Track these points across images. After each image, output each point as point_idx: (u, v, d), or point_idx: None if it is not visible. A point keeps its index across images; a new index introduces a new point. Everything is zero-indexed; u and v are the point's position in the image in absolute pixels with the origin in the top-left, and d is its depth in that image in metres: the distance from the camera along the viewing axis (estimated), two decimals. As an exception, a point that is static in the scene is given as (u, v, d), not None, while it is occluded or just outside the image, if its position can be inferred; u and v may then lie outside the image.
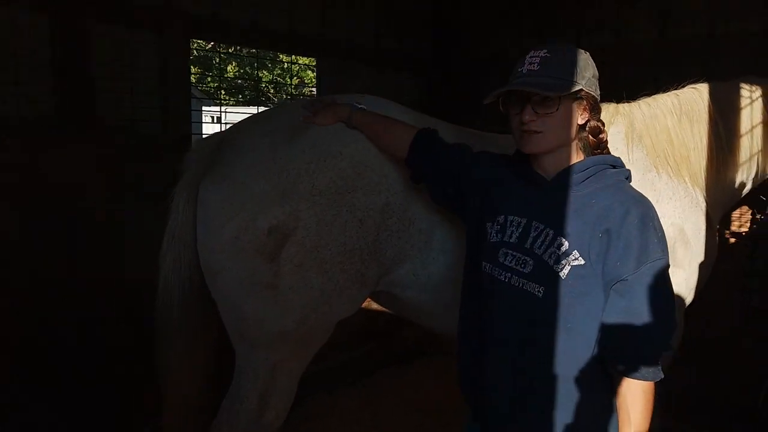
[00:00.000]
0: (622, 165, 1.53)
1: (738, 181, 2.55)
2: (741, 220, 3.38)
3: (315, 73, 4.49)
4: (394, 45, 4.33)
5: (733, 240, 3.38)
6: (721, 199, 2.51)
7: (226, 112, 3.69)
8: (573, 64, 1.45)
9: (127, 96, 2.93)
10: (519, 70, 1.47)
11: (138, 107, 2.97)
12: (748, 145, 2.50)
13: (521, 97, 1.46)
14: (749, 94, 2.51)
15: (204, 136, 3.97)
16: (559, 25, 4.03)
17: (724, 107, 2.45)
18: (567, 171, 1.49)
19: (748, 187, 2.62)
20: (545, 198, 1.51)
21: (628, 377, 1.39)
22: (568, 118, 1.47)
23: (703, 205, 2.34)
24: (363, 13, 4.07)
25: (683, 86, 2.51)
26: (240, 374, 1.91)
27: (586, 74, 1.47)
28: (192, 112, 3.37)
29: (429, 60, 4.58)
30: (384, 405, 3.87)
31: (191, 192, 1.90)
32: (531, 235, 1.49)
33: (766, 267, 2.80)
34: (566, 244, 1.42)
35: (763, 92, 2.51)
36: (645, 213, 1.40)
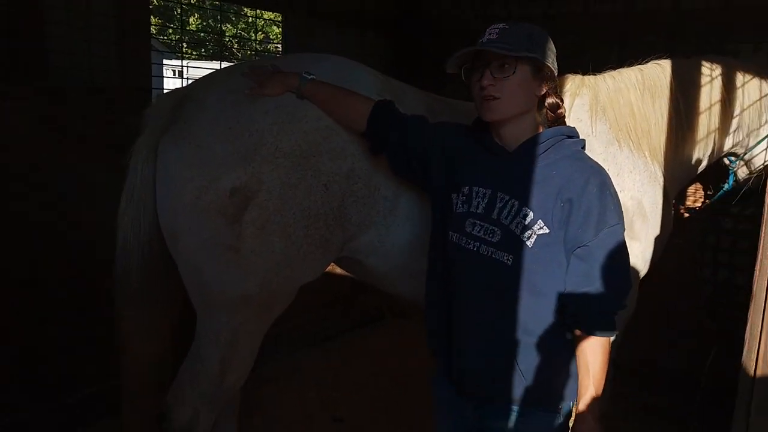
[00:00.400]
0: (577, 135, 1.61)
1: (695, 157, 2.61)
2: (696, 196, 3.48)
3: (279, 29, 4.35)
4: (357, 5, 4.23)
5: (687, 215, 3.48)
6: (678, 174, 2.57)
7: (188, 66, 3.54)
8: (530, 37, 1.51)
9: (83, 45, 2.77)
10: (479, 41, 1.52)
11: (94, 57, 2.82)
12: (707, 122, 2.55)
13: (481, 65, 1.51)
14: (710, 72, 2.55)
15: (165, 90, 3.84)
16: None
17: (685, 84, 2.49)
18: (528, 142, 1.56)
19: (704, 164, 2.69)
20: (508, 169, 1.57)
21: (587, 334, 1.49)
22: (526, 84, 1.52)
23: (661, 179, 2.39)
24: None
25: (647, 61, 2.53)
26: (201, 337, 1.89)
27: (544, 47, 1.53)
28: (152, 65, 3.22)
29: (393, 22, 4.51)
30: (345, 367, 3.93)
31: (150, 150, 1.84)
32: (497, 205, 1.55)
33: (718, 242, 2.90)
34: (531, 214, 1.50)
35: (722, 71, 2.56)
36: (603, 181, 1.49)
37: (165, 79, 4.42)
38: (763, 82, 2.61)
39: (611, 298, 1.49)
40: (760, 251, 1.19)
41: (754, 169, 2.76)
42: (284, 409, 3.35)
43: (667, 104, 2.43)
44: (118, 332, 2.01)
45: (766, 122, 2.65)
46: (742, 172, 2.82)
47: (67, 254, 2.78)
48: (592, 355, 1.49)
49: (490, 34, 1.51)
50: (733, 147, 2.70)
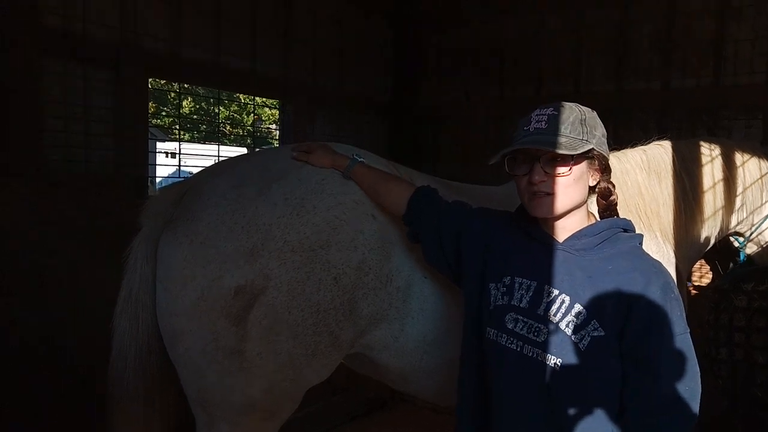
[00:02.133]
0: (634, 229, 1.47)
1: (704, 236, 2.59)
2: (701, 271, 3.43)
3: (271, 110, 4.38)
4: (356, 88, 4.30)
5: (695, 292, 3.43)
6: (688, 254, 2.54)
7: (181, 152, 3.53)
8: (583, 122, 1.39)
9: (80, 137, 2.75)
10: (525, 128, 1.40)
11: (92, 149, 2.79)
12: (712, 200, 2.55)
13: (529, 156, 1.38)
14: (709, 152, 2.58)
15: (158, 175, 3.82)
16: (521, 73, 4.10)
17: (688, 164, 2.50)
18: (580, 233, 1.42)
19: (712, 241, 2.67)
20: (557, 261, 1.41)
21: None
22: (581, 178, 1.39)
23: (674, 260, 2.34)
24: (325, 56, 4.03)
25: (648, 143, 2.55)
26: (201, 448, 1.74)
27: (596, 133, 1.41)
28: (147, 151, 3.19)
29: (390, 103, 4.58)
30: (347, 462, 3.69)
31: (150, 248, 1.75)
32: (544, 300, 1.38)
33: (731, 320, 2.82)
34: (584, 312, 1.33)
35: (721, 150, 2.58)
36: (666, 283, 1.34)
37: (158, 164, 4.40)
38: (762, 160, 2.64)
39: (683, 422, 1.30)
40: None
41: (764, 244, 2.74)
42: None
43: (673, 184, 2.42)
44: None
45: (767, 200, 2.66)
46: (751, 249, 2.80)
47: (66, 351, 2.65)
48: None
49: (538, 121, 1.38)
50: (738, 225, 2.70)
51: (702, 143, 2.61)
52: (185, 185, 1.83)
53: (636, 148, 2.49)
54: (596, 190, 1.48)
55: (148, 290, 1.74)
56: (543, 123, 1.37)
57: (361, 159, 1.82)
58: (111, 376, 1.80)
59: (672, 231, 2.39)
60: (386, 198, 1.76)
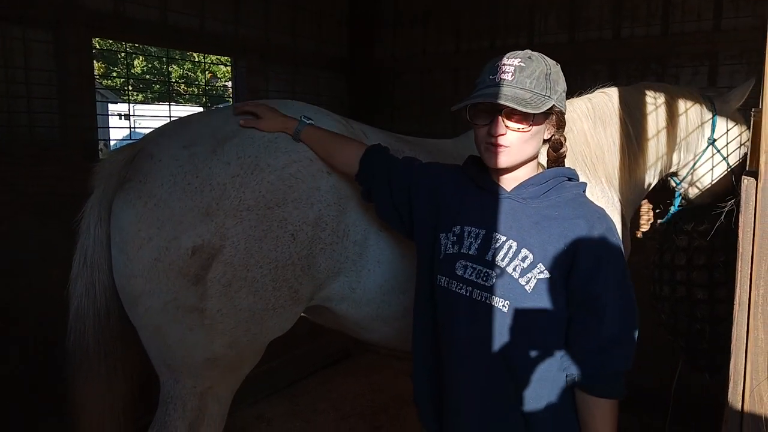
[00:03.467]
0: (578, 177, 1.52)
1: (647, 179, 2.69)
2: (649, 215, 3.58)
3: (227, 67, 4.30)
4: (311, 44, 4.23)
5: (639, 235, 3.58)
6: (632, 198, 2.64)
7: (134, 113, 3.45)
8: (547, 77, 1.39)
9: (23, 101, 2.65)
10: (491, 77, 1.39)
11: (36, 114, 2.70)
12: (656, 146, 2.64)
13: (491, 107, 1.38)
14: (653, 99, 2.65)
15: (112, 138, 3.73)
16: (476, 26, 4.09)
17: (633, 111, 2.56)
18: (527, 182, 1.45)
19: (653, 184, 2.78)
20: (505, 209, 1.45)
21: (596, 395, 1.36)
22: (538, 134, 1.42)
23: (619, 205, 2.44)
24: (278, 11, 3.94)
25: (593, 90, 2.60)
26: (166, 403, 1.78)
27: (558, 88, 1.42)
28: (97, 114, 3.10)
29: (346, 59, 4.52)
30: (313, 412, 3.82)
31: (103, 211, 1.74)
32: (492, 246, 1.42)
33: (673, 259, 2.97)
34: (531, 256, 1.38)
35: (665, 98, 2.66)
36: (608, 228, 1.39)
37: (111, 127, 4.28)
38: (703, 107, 2.73)
39: (624, 358, 1.36)
40: (738, 286, 1.20)
41: (702, 188, 2.86)
42: (254, 464, 3.21)
43: (618, 131, 2.50)
44: (73, 403, 1.87)
45: (707, 144, 2.76)
46: (692, 192, 2.92)
47: (19, 320, 2.62)
48: (602, 420, 1.36)
49: (504, 72, 1.37)
50: (677, 166, 2.80)
51: (646, 90, 2.67)
52: (135, 147, 1.81)
53: (582, 97, 2.54)
54: (549, 142, 1.50)
55: (104, 253, 1.74)
56: (509, 74, 1.36)
57: (310, 120, 1.81)
58: (71, 340, 1.81)
59: (617, 177, 2.48)
60: (338, 158, 1.77)
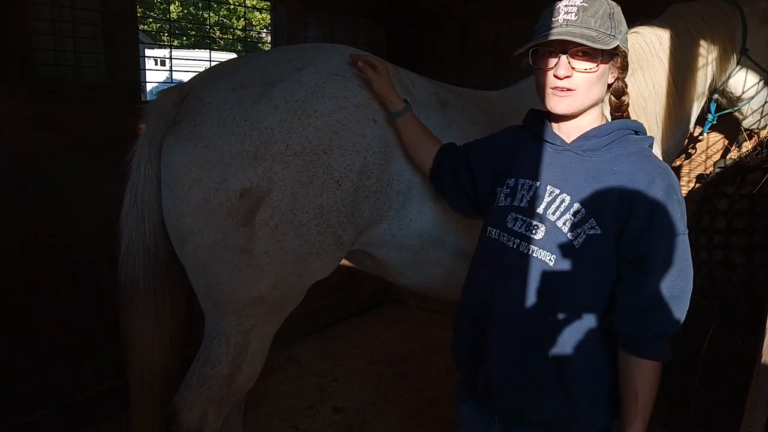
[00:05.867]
0: (645, 131, 1.44)
1: (694, 114, 2.61)
2: (689, 176, 3.51)
3: (262, 14, 4.23)
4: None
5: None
6: (674, 145, 2.57)
7: (171, 58, 3.46)
8: (611, 17, 1.33)
9: (70, 40, 2.68)
10: (553, 19, 1.34)
11: (82, 53, 2.73)
12: (700, 79, 2.53)
13: (555, 49, 1.33)
14: (686, 27, 2.48)
15: (149, 81, 3.76)
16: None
17: (669, 47, 2.42)
18: (589, 134, 1.40)
19: (694, 121, 2.68)
20: (563, 161, 1.41)
21: (639, 356, 1.34)
22: (604, 76, 1.37)
23: (660, 157, 2.38)
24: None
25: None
26: (211, 339, 1.86)
27: (622, 28, 1.36)
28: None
29: (386, 6, 4.42)
30: (343, 356, 3.94)
31: (154, 150, 1.78)
32: (544, 199, 1.39)
33: (711, 223, 2.92)
34: (583, 210, 1.34)
35: (697, 22, 2.50)
36: (670, 184, 1.32)
37: (147, 69, 4.31)
38: (733, 19, 2.58)
39: (672, 320, 1.31)
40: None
41: (735, 98, 2.76)
42: (285, 400, 3.35)
43: (658, 74, 2.38)
44: (124, 334, 1.97)
45: (740, 55, 2.62)
46: (727, 102, 2.82)
47: (68, 255, 2.73)
48: (642, 382, 1.33)
49: (567, 13, 1.31)
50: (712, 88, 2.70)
51: (676, 19, 2.51)
52: (185, 88, 1.83)
53: None
54: (611, 88, 1.44)
55: (153, 192, 1.79)
56: (572, 15, 1.31)
57: (411, 108, 1.81)
58: (121, 275, 1.88)
59: (660, 126, 2.38)
60: (422, 154, 1.78)
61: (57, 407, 2.79)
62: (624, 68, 1.43)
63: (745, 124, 2.89)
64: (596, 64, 1.33)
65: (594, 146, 1.39)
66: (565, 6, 1.33)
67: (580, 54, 1.33)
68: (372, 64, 1.81)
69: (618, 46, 1.34)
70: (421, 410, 3.31)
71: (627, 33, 1.40)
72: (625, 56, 1.41)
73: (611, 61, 1.38)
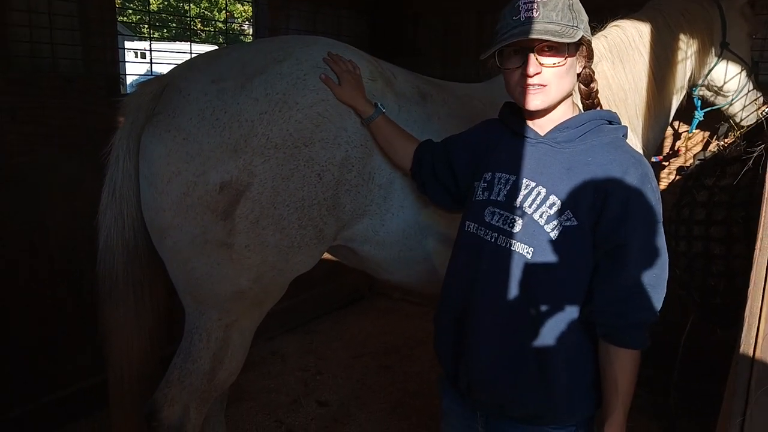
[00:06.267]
0: (619, 120, 1.45)
1: (673, 106, 2.64)
2: (669, 168, 3.55)
3: (243, 6, 4.18)
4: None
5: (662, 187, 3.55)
6: (654, 137, 2.59)
7: (151, 50, 3.40)
8: (570, 7, 1.34)
9: (46, 31, 2.62)
10: (514, 18, 1.34)
11: (59, 45, 2.67)
12: (679, 71, 2.55)
13: (521, 48, 1.34)
14: (665, 21, 2.49)
15: (129, 74, 3.69)
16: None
17: (649, 40, 2.43)
18: (562, 126, 1.41)
19: (673, 114, 2.70)
20: (537, 154, 1.42)
21: (618, 345, 1.35)
22: (572, 67, 1.37)
23: (641, 149, 2.40)
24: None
25: (604, 27, 2.46)
26: (192, 334, 1.84)
27: (583, 17, 1.36)
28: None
29: (368, 0, 4.40)
30: (326, 350, 3.93)
31: (132, 143, 1.75)
32: (521, 193, 1.40)
33: (691, 214, 2.95)
34: (558, 203, 1.35)
35: (676, 15, 2.52)
36: (644, 173, 1.33)
37: (128, 62, 4.24)
38: (713, 13, 2.61)
39: (649, 309, 1.32)
40: (761, 229, 1.20)
41: (718, 89, 2.78)
42: (269, 395, 3.34)
43: (638, 66, 2.39)
44: (104, 329, 1.94)
45: (721, 49, 2.65)
46: (709, 95, 2.84)
47: (45, 249, 2.68)
48: (622, 371, 1.34)
49: (527, 10, 1.31)
50: (693, 80, 2.72)
51: (656, 12, 2.52)
52: (164, 80, 1.80)
53: (597, 35, 2.41)
54: (579, 77, 1.44)
55: (132, 185, 1.76)
56: (533, 11, 1.31)
57: (384, 110, 1.80)
58: (100, 270, 1.86)
59: (640, 118, 2.40)
60: (399, 154, 1.78)
61: (33, 406, 2.75)
62: (590, 56, 1.43)
63: (737, 119, 2.92)
64: (564, 58, 1.33)
65: (568, 137, 1.40)
66: (525, 3, 1.33)
67: (546, 49, 1.33)
68: (342, 70, 1.79)
69: (582, 36, 1.34)
70: (404, 403, 3.32)
71: (587, 21, 1.39)
72: (589, 45, 1.40)
73: (578, 52, 1.39)
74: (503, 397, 1.44)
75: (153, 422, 1.86)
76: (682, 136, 3.33)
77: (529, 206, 1.38)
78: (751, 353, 1.25)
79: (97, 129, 2.00)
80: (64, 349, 2.82)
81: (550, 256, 1.35)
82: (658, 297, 1.34)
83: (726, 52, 2.64)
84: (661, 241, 1.33)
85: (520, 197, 1.40)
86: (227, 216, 1.66)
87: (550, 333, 1.38)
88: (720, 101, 2.87)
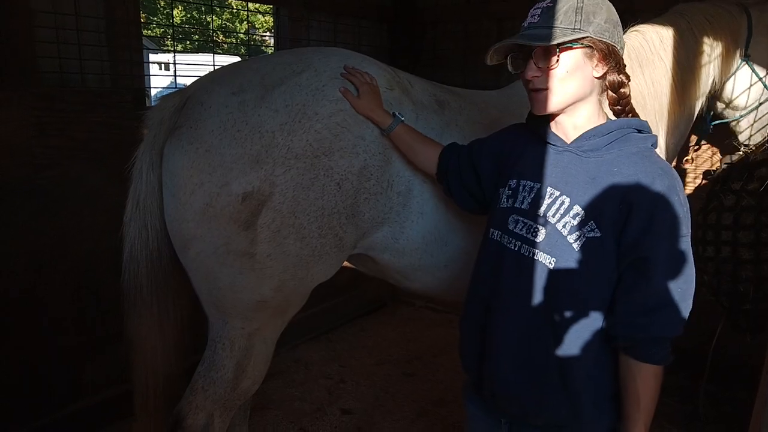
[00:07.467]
0: (649, 129, 1.41)
1: (695, 112, 2.60)
2: (696, 173, 3.48)
3: (264, 17, 4.24)
4: (352, -7, 4.15)
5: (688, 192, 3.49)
6: (674, 143, 2.56)
7: (175, 62, 3.46)
8: (578, 10, 1.31)
9: (74, 48, 2.69)
10: (523, 25, 1.37)
11: (87, 60, 2.74)
12: (701, 78, 2.52)
13: (524, 53, 1.36)
14: (689, 26, 2.45)
15: (153, 87, 3.78)
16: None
17: (670, 45, 2.40)
18: (589, 133, 1.38)
19: (693, 121, 2.66)
20: (563, 163, 1.40)
21: (639, 360, 1.32)
22: (577, 69, 1.34)
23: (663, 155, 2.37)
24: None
25: (625, 31, 2.44)
26: (215, 343, 1.86)
27: (595, 19, 1.32)
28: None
29: (388, 7, 4.42)
30: (350, 357, 3.93)
31: (155, 156, 1.79)
32: (545, 201, 1.38)
33: (719, 219, 2.90)
34: (583, 213, 1.32)
35: (701, 22, 2.48)
36: (671, 185, 1.29)
37: (152, 75, 4.33)
38: (742, 22, 2.56)
39: (673, 323, 1.29)
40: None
41: (729, 102, 2.73)
42: (293, 403, 3.35)
43: (657, 71, 2.36)
44: (128, 340, 1.98)
45: (741, 61, 2.60)
46: (722, 111, 2.80)
47: (69, 261, 2.74)
48: (644, 385, 1.31)
49: (532, 16, 1.35)
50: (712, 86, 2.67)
51: (680, 18, 2.48)
52: (185, 93, 1.84)
53: None
54: (606, 82, 1.40)
55: (155, 197, 1.79)
56: (536, 17, 1.34)
57: (403, 118, 1.82)
58: (124, 281, 1.89)
59: (661, 124, 2.38)
60: (421, 158, 1.80)
61: (57, 415, 2.79)
62: (610, 59, 1.37)
63: (741, 137, 2.86)
64: (555, 60, 1.32)
65: (593, 146, 1.37)
66: (534, 9, 1.36)
67: (542, 53, 1.34)
68: (361, 82, 1.81)
69: (587, 38, 1.31)
70: (428, 411, 3.31)
71: (609, 22, 1.35)
72: (609, 47, 1.35)
73: (584, 54, 1.34)
74: (526, 405, 1.43)
75: (178, 430, 1.88)
76: (689, 150, 3.28)
77: (553, 216, 1.36)
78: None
79: (122, 142, 2.04)
80: (88, 359, 2.87)
81: (572, 267, 1.33)
82: (683, 312, 1.30)
83: (745, 65, 2.60)
84: (688, 255, 1.30)
85: (544, 206, 1.38)
86: (249, 226, 1.68)
87: (572, 344, 1.36)
88: (729, 114, 2.83)
